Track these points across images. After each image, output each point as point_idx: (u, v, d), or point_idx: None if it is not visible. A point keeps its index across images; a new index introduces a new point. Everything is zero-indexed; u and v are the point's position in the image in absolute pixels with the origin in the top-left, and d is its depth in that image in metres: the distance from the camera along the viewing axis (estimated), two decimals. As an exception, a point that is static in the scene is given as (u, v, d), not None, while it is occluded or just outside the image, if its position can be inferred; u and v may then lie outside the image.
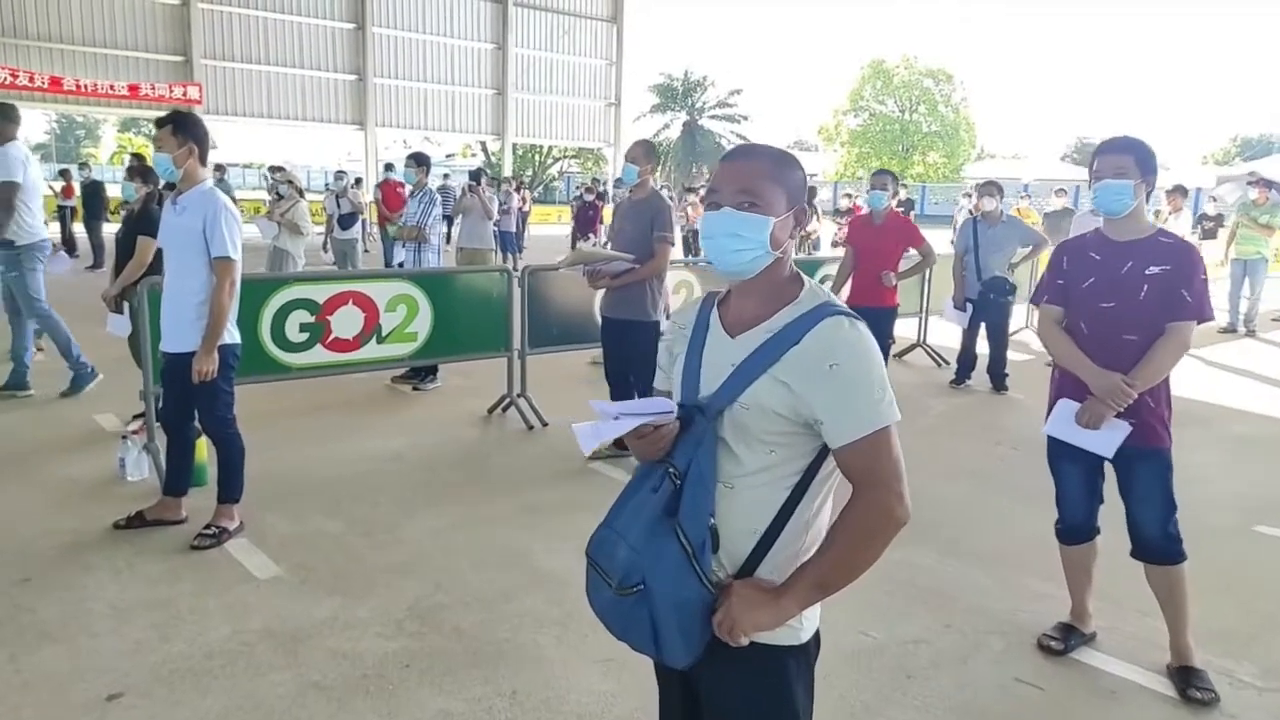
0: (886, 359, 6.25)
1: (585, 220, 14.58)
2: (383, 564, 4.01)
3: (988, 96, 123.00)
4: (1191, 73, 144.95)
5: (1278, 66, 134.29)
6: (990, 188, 7.48)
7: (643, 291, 4.99)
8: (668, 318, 4.85)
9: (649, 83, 49.12)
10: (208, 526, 4.06)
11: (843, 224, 15.65)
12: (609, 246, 5.38)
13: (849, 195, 17.80)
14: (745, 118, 48.47)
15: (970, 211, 13.84)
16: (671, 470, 1.58)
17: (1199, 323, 2.97)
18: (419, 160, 7.05)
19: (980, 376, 7.60)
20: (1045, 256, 8.43)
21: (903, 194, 11.81)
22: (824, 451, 1.60)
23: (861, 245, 6.15)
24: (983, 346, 7.55)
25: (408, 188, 7.38)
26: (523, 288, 6.11)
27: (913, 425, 6.35)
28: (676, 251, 5.58)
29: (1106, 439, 3.02)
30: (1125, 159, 2.97)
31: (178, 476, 4.21)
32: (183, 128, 3.83)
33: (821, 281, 7.85)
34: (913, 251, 6.35)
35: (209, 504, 4.19)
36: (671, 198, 10.24)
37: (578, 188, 20.25)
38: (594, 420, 1.65)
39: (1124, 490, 3.09)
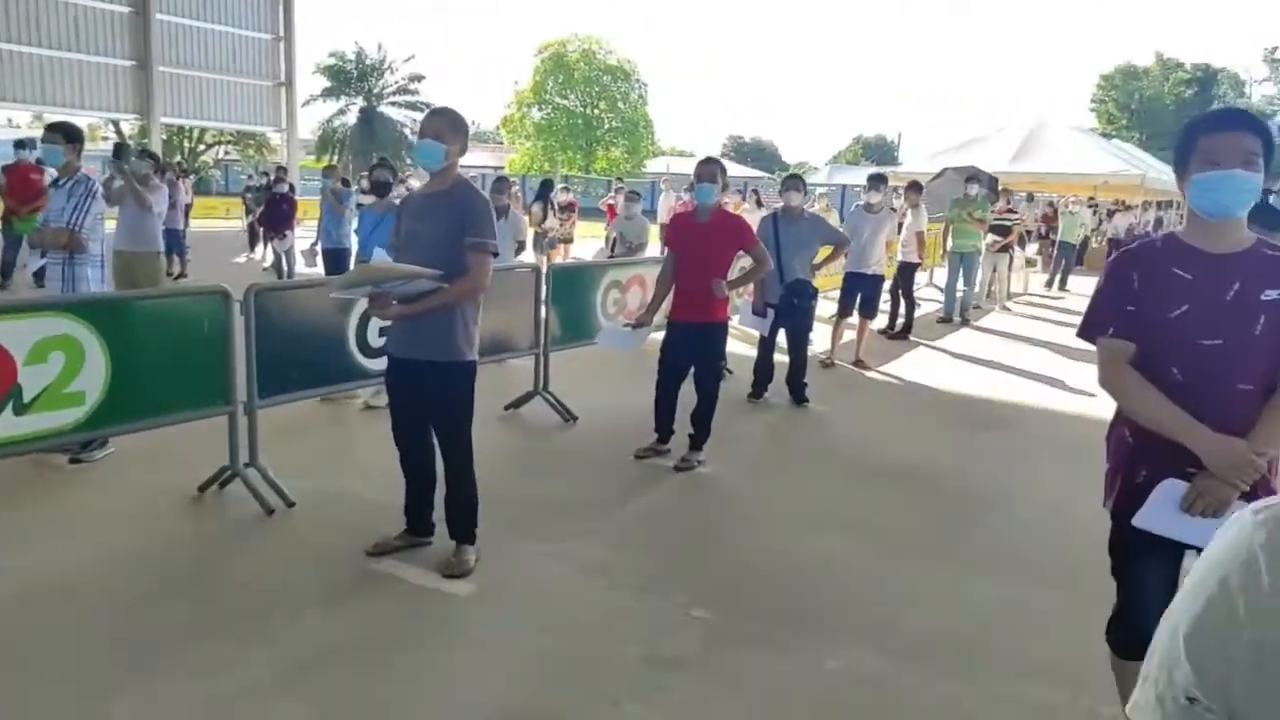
0: (720, 384, 5.29)
1: (277, 216, 12.20)
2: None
3: (657, 92, 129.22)
4: (817, 76, 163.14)
5: (891, 73, 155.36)
6: (795, 181, 6.80)
7: (451, 322, 3.54)
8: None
9: (321, 63, 45.03)
10: None
11: (565, 219, 14.75)
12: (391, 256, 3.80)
13: (567, 189, 16.91)
14: (428, 105, 46.13)
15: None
16: None
17: None
18: (68, 134, 4.84)
19: (777, 388, 6.95)
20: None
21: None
22: None
23: (686, 249, 5.10)
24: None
25: (49, 174, 5.13)
26: (248, 315, 4.33)
27: (732, 456, 5.47)
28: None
29: (1215, 528, 2.19)
30: (1255, 142, 2.14)
31: None
32: None
33: (610, 290, 6.79)
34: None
35: None
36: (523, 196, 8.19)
37: (261, 175, 17.45)
38: None
39: None
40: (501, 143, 59.96)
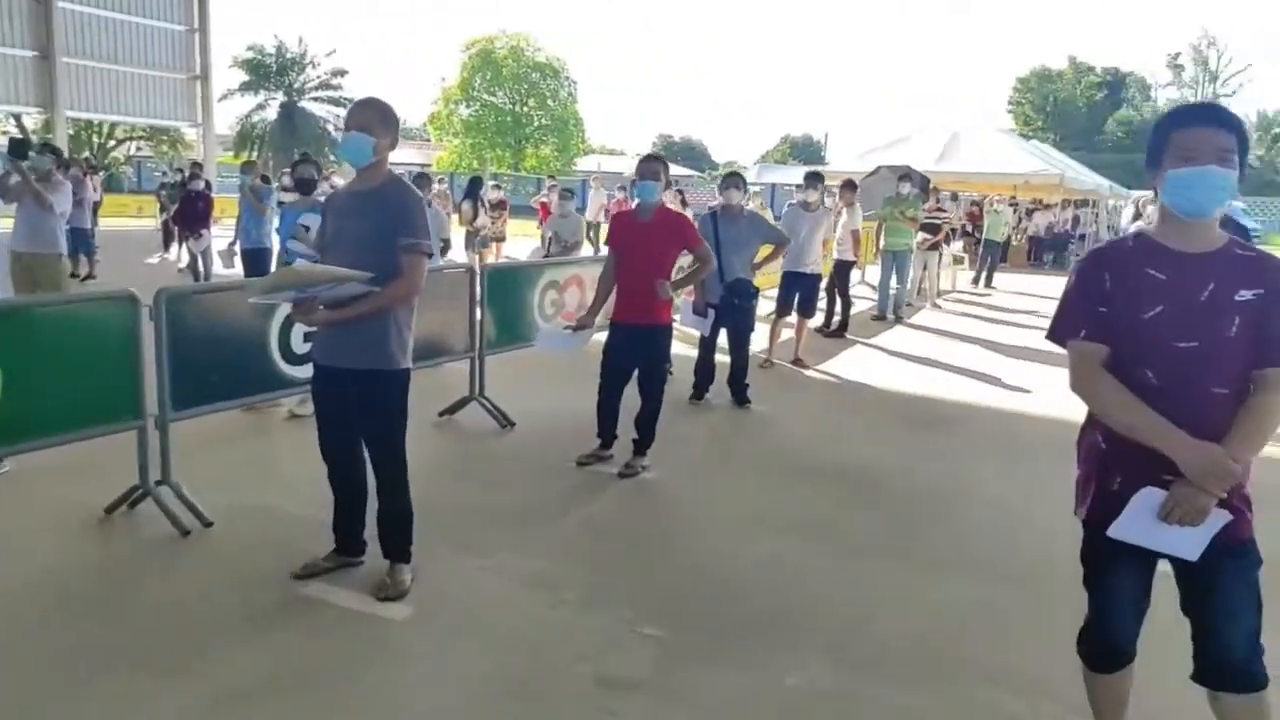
0: (664, 388, 5.14)
1: (192, 215, 11.63)
2: None
3: (587, 90, 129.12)
4: (744, 76, 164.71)
5: (816, 73, 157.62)
6: (735, 179, 6.69)
7: (384, 328, 3.31)
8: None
9: (239, 56, 43.51)
10: None
11: (497, 217, 14.46)
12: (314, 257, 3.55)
13: (498, 186, 16.60)
14: (351, 100, 44.98)
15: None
16: None
17: None
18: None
19: (718, 389, 6.83)
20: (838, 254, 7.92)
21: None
22: None
23: (627, 249, 4.94)
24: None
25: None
26: (158, 321, 4.02)
27: (675, 460, 5.34)
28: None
29: (1193, 537, 2.12)
30: (1229, 139, 2.08)
31: None
32: None
33: (547, 291, 6.59)
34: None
35: None
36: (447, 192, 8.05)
37: (176, 171, 16.70)
38: None
39: (1197, 600, 2.22)
40: (429, 140, 59.04)
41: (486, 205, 12.02)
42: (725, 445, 5.97)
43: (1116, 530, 2.16)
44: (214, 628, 3.24)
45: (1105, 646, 2.37)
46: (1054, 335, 2.33)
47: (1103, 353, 2.21)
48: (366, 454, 3.55)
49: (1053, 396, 7.54)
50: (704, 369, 6.78)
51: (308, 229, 5.59)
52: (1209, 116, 2.13)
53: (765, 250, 6.99)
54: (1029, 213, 22.75)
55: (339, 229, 3.34)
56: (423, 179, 8.04)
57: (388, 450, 3.48)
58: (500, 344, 6.05)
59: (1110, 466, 2.25)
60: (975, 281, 16.45)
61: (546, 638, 3.29)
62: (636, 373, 5.04)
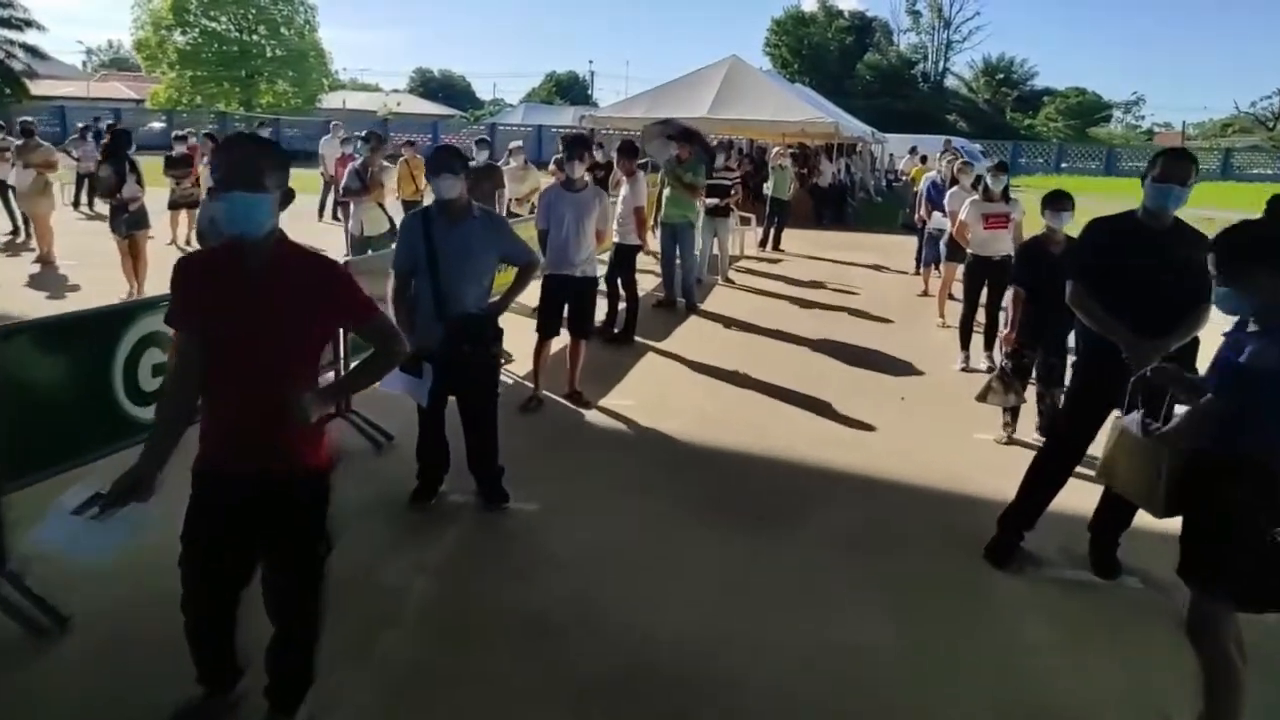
0: (323, 598, 2.71)
1: None
2: None
3: (333, 17, 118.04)
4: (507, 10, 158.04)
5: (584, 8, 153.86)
6: (448, 161, 4.04)
7: None
8: None
9: None
10: None
11: (182, 176, 11.14)
12: None
13: (184, 136, 12.95)
14: (32, 23, 37.18)
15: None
16: None
17: None
18: None
19: (458, 473, 4.47)
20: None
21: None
22: None
23: (223, 327, 2.38)
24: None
25: None
26: None
27: (369, 685, 2.97)
28: None
29: None
30: None
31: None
32: None
33: (145, 349, 3.83)
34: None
35: None
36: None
37: None
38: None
39: None
40: (142, 72, 50.70)
41: (139, 169, 8.49)
42: (462, 621, 3.49)
43: None
44: None
45: None
46: None
47: None
48: None
49: (906, 444, 5.62)
50: (429, 454, 4.37)
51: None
52: None
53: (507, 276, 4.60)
54: (802, 159, 21.05)
55: None
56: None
57: None
58: (40, 468, 3.31)
59: None
60: (763, 244, 14.89)
61: None
62: (261, 572, 2.58)
